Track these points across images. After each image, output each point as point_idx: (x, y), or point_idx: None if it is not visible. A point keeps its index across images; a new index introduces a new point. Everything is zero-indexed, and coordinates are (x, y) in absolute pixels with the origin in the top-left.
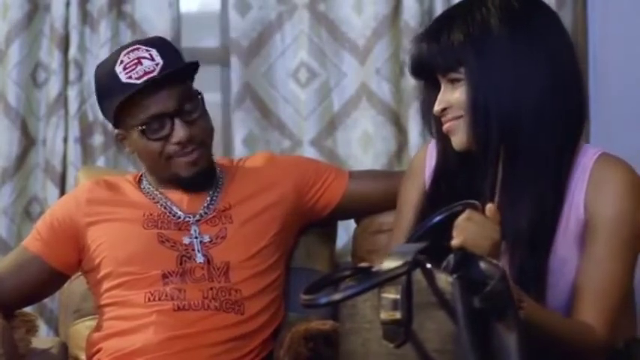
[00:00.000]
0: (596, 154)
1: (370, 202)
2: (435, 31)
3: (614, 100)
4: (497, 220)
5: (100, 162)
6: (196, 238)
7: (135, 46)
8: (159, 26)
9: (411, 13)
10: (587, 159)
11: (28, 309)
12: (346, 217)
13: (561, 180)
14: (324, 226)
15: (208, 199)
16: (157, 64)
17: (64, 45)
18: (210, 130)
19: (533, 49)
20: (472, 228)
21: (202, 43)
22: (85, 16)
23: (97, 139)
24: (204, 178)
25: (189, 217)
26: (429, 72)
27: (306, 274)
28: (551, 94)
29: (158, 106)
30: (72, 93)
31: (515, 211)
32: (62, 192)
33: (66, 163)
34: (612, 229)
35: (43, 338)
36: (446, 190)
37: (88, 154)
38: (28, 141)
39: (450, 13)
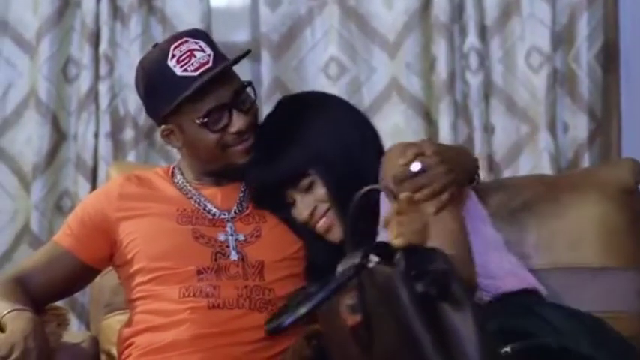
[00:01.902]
0: None
1: None
2: (271, 155)
3: None
4: (415, 204)
5: (131, 157)
6: (232, 235)
7: (183, 39)
8: (189, 21)
9: (441, 8)
10: None
11: (59, 303)
12: None
13: None
14: None
15: (241, 195)
16: (209, 55)
17: (95, 40)
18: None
19: (350, 124)
20: (406, 222)
21: (233, 37)
22: (116, 12)
23: (128, 134)
24: None
25: (224, 214)
26: (274, 193)
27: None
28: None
29: (217, 97)
30: (103, 88)
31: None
32: (93, 187)
33: (97, 158)
34: None
35: (75, 332)
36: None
37: (118, 149)
38: (59, 136)
39: (272, 138)
